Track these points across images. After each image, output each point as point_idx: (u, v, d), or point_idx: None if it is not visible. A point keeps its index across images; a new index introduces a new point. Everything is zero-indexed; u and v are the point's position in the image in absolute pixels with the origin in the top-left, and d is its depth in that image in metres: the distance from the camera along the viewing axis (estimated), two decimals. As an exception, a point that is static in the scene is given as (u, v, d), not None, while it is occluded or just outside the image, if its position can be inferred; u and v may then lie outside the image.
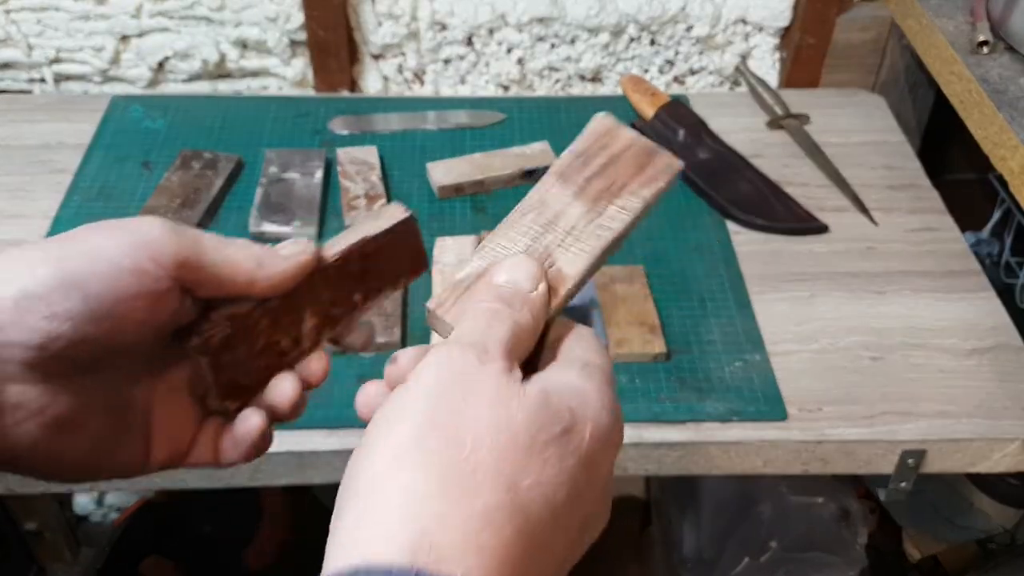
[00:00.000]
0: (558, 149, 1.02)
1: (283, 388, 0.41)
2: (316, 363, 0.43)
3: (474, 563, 0.29)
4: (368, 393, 0.38)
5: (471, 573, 0.29)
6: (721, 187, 0.98)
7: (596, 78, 1.19)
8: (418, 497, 0.30)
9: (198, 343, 0.39)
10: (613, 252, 0.41)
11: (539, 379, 0.35)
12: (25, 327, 0.34)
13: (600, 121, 0.43)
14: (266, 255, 0.39)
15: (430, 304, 0.39)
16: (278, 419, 0.42)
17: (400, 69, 1.16)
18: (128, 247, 0.36)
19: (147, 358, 0.40)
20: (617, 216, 0.40)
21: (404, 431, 0.32)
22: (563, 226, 0.40)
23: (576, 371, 0.36)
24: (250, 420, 0.40)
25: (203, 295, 0.39)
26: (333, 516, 0.33)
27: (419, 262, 0.45)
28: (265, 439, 0.41)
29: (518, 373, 0.35)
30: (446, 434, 0.32)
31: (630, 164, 0.42)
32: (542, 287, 0.39)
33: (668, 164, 0.42)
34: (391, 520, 0.30)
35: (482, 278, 0.39)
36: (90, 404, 0.37)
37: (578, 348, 0.38)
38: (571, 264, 0.40)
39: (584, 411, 0.34)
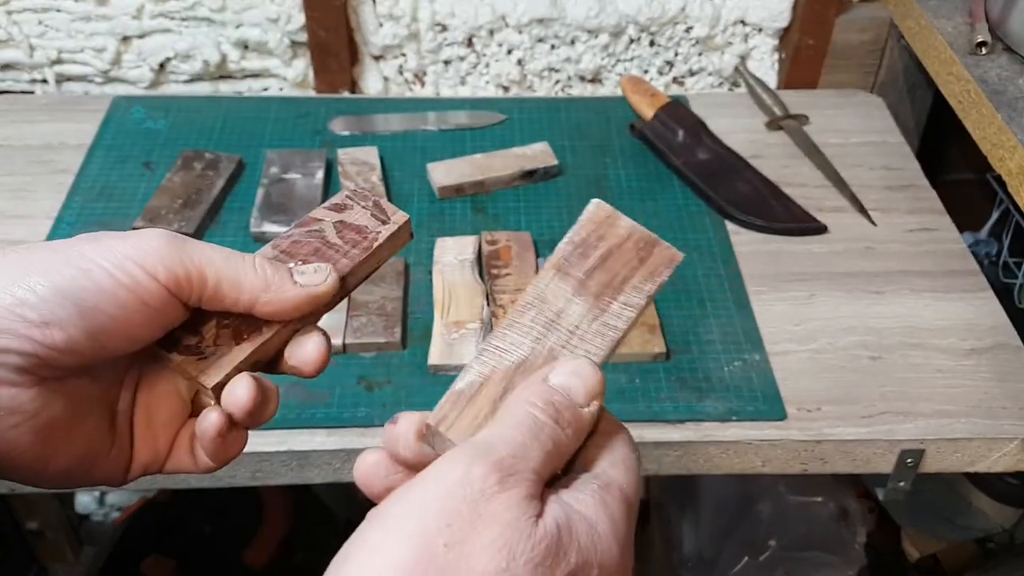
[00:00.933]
0: (558, 149, 1.03)
1: (239, 391, 0.38)
2: (312, 347, 0.40)
3: None
4: (367, 463, 0.36)
5: None
6: (720, 187, 0.99)
7: (596, 79, 1.19)
8: None
9: (185, 350, 0.38)
10: (618, 347, 0.39)
11: (554, 508, 0.32)
12: (19, 334, 0.34)
13: (597, 209, 0.41)
14: (276, 280, 0.38)
15: (431, 420, 0.36)
16: (244, 423, 0.39)
17: (400, 70, 1.16)
18: (126, 261, 0.36)
19: (134, 360, 0.40)
20: (622, 314, 0.39)
21: (396, 555, 0.29)
22: (566, 325, 0.39)
23: (594, 496, 0.33)
24: (208, 417, 0.38)
25: (199, 305, 0.38)
26: None
27: (408, 240, 0.44)
28: (229, 439, 0.39)
29: (537, 503, 0.32)
30: (441, 571, 0.29)
31: (631, 256, 0.40)
32: (595, 405, 0.35)
33: (670, 257, 0.41)
34: None
35: (534, 371, 0.37)
36: (83, 409, 0.37)
37: (605, 460, 0.35)
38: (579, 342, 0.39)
39: (592, 551, 0.32)
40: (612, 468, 0.35)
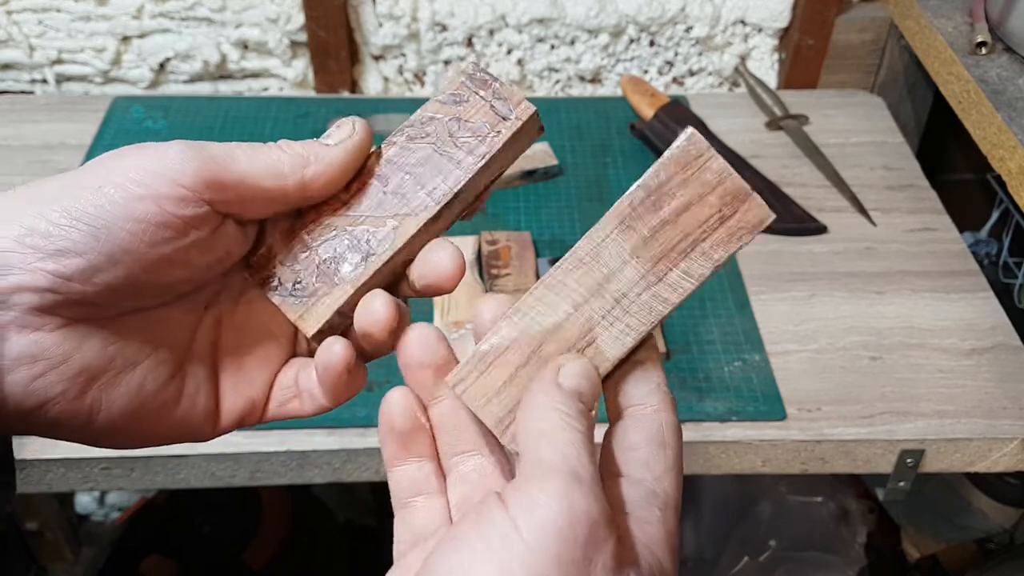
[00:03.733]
0: (558, 149, 1.03)
1: (376, 306, 0.35)
2: (444, 254, 0.35)
3: None
4: (394, 406, 0.35)
5: None
6: (720, 187, 0.99)
7: (596, 79, 1.19)
8: None
9: (278, 289, 0.35)
10: (663, 322, 0.34)
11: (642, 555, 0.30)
12: (31, 268, 0.30)
13: (687, 144, 0.34)
14: (311, 151, 0.34)
15: (449, 378, 0.34)
16: (368, 355, 0.36)
17: (400, 70, 1.16)
18: (141, 171, 0.31)
19: (207, 294, 0.36)
20: (679, 285, 0.33)
21: None
22: (612, 291, 0.34)
23: (653, 512, 0.31)
24: (332, 348, 0.35)
25: (255, 215, 0.34)
26: None
27: (537, 135, 0.38)
28: (353, 374, 0.35)
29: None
30: None
31: (711, 211, 0.33)
32: (594, 413, 0.33)
33: (758, 218, 0.33)
34: None
35: (566, 342, 0.34)
36: (129, 351, 0.33)
37: (655, 464, 0.32)
38: (612, 344, 0.34)
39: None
40: (653, 463, 0.32)
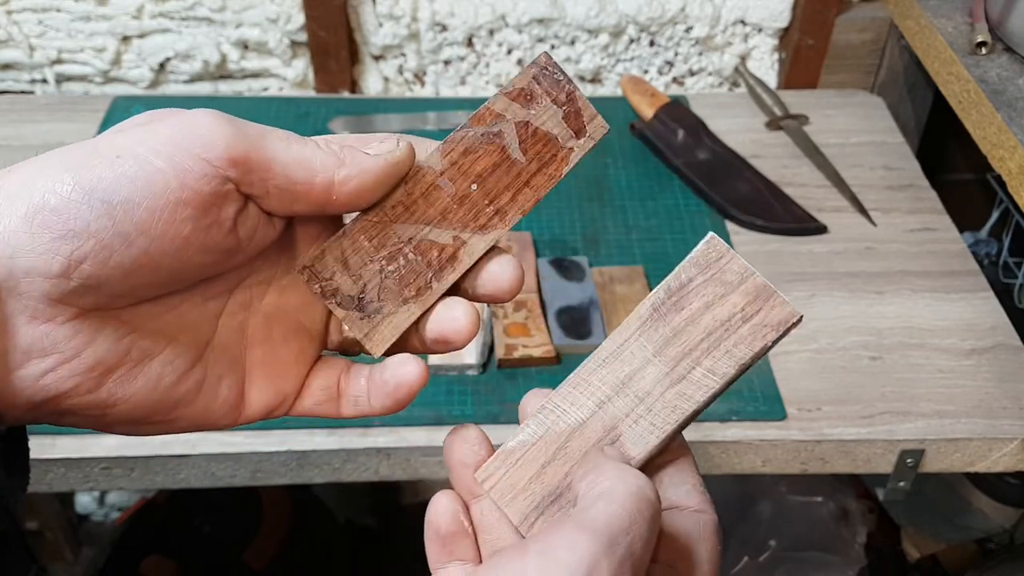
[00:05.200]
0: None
1: (455, 316, 0.34)
2: (504, 266, 0.34)
3: None
4: (439, 510, 0.34)
5: None
6: (720, 188, 0.99)
7: (596, 79, 1.19)
8: None
9: (344, 302, 0.34)
10: (689, 424, 0.34)
11: None
12: (42, 250, 0.27)
13: (707, 248, 0.34)
14: (348, 154, 0.32)
15: (478, 474, 0.34)
16: (446, 350, 0.36)
17: (400, 70, 1.16)
18: (164, 142, 0.29)
19: (231, 281, 0.34)
20: (703, 383, 0.34)
21: None
22: (635, 390, 0.34)
23: None
24: (406, 367, 0.34)
25: (278, 210, 0.32)
26: None
27: (585, 120, 0.35)
28: (415, 388, 0.35)
29: None
30: None
31: (734, 310, 0.33)
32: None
33: (784, 317, 0.34)
34: None
35: (589, 440, 0.34)
36: (145, 342, 0.31)
37: (679, 543, 0.32)
38: (636, 443, 0.34)
39: None
40: (701, 538, 0.32)
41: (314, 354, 0.36)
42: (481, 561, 0.35)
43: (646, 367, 0.34)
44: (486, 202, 0.34)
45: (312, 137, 0.32)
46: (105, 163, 0.28)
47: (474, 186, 0.34)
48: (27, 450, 0.33)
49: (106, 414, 0.31)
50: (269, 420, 0.36)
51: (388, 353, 0.35)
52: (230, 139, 0.29)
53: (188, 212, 0.29)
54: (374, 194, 0.33)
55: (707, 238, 0.34)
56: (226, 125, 0.30)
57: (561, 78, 0.34)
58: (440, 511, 0.34)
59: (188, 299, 0.32)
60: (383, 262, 0.34)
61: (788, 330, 0.34)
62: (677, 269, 0.34)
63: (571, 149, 0.34)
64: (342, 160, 0.32)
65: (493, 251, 0.34)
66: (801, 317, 0.34)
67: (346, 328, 0.34)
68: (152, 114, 0.31)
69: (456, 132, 0.34)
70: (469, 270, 0.34)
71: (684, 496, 0.33)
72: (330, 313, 0.36)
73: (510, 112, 0.34)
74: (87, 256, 0.28)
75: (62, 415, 0.31)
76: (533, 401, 0.35)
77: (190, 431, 0.34)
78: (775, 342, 0.33)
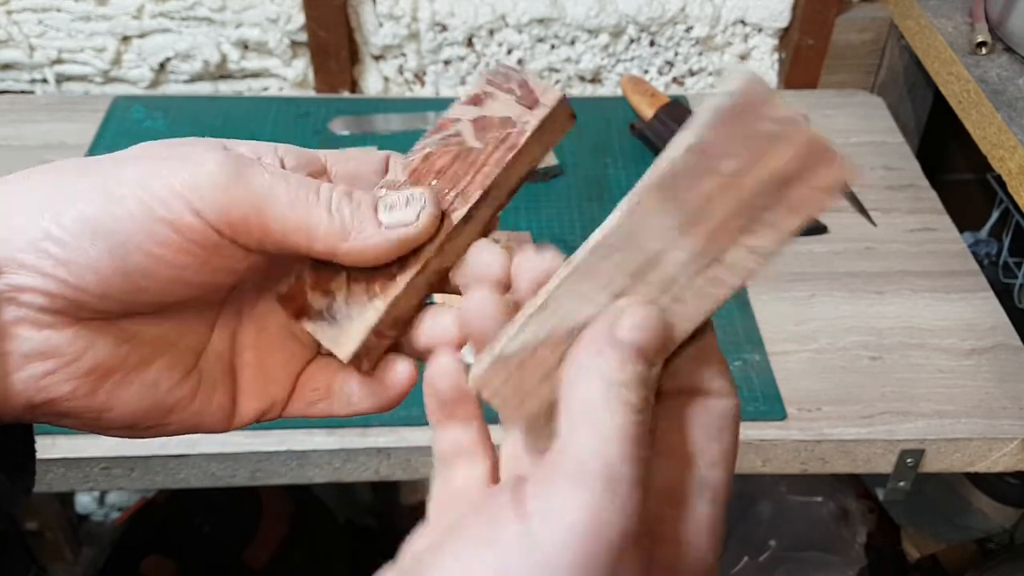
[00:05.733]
0: (558, 149, 1.02)
1: (483, 260, 0.32)
2: (488, 256, 0.32)
3: None
4: (440, 372, 0.32)
5: None
6: (720, 187, 0.99)
7: (596, 79, 1.19)
8: None
9: (308, 313, 0.33)
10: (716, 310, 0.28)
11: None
12: (42, 272, 0.29)
13: (747, 87, 0.26)
14: (356, 223, 0.31)
15: (474, 382, 0.29)
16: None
17: (400, 70, 1.16)
18: (168, 193, 0.30)
19: (224, 292, 0.34)
20: (741, 265, 0.27)
21: None
22: (658, 277, 0.27)
23: (699, 505, 0.28)
24: (396, 367, 0.34)
25: (271, 252, 0.32)
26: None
27: (569, 124, 0.35)
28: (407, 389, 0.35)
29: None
30: None
31: (777, 172, 0.26)
32: (656, 371, 0.27)
33: (835, 176, 0.26)
34: None
35: (587, 327, 0.28)
36: (144, 353, 0.32)
37: (696, 437, 0.29)
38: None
39: None
40: (718, 467, 0.28)
41: (304, 359, 0.36)
42: (482, 420, 0.33)
43: (671, 249, 0.27)
44: (447, 190, 0.33)
45: (327, 190, 0.32)
46: (110, 201, 0.29)
47: (434, 181, 0.34)
48: (33, 451, 0.34)
49: (101, 417, 0.32)
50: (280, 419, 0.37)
51: (365, 357, 0.34)
52: (230, 200, 0.30)
53: (187, 259, 0.30)
54: (377, 264, 0.32)
55: (741, 77, 0.26)
56: (231, 180, 0.30)
57: (509, 71, 0.35)
58: (441, 373, 0.32)
59: (185, 310, 0.33)
60: (349, 271, 0.33)
61: (842, 194, 0.26)
62: (707, 118, 0.26)
63: (527, 121, 0.33)
64: (347, 233, 0.31)
65: (475, 243, 0.33)
66: (855, 173, 0.26)
67: (319, 340, 0.34)
68: (158, 150, 0.31)
69: (416, 144, 0.35)
70: (449, 268, 0.34)
71: (709, 379, 0.29)
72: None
73: (465, 114, 0.34)
74: (86, 286, 0.29)
75: (59, 417, 0.31)
76: (489, 251, 0.32)
77: (184, 434, 0.35)
78: (829, 206, 0.26)
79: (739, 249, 0.27)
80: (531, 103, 0.34)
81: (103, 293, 0.30)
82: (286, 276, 0.34)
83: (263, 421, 0.36)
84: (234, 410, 0.35)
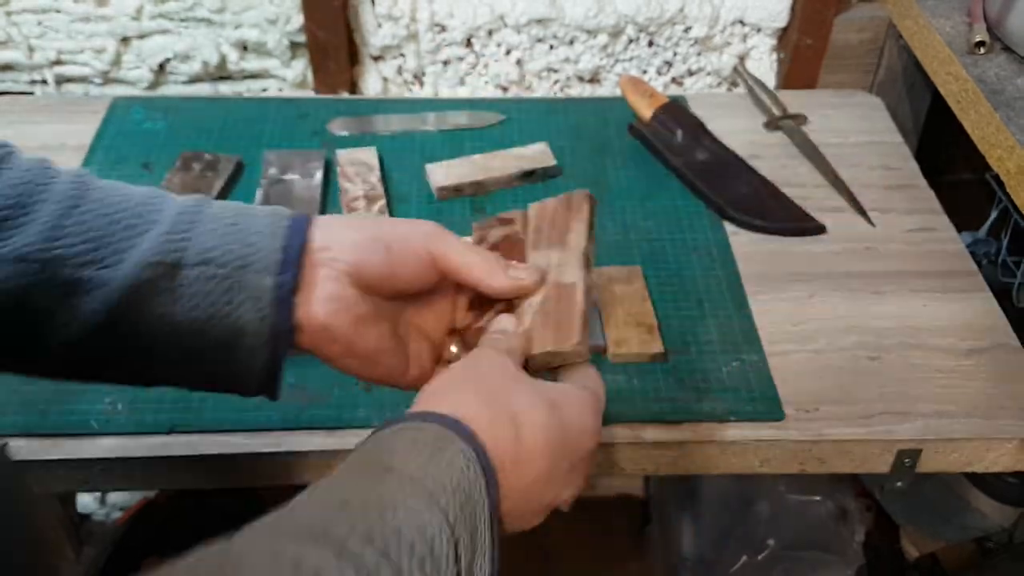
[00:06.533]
0: (557, 150, 1.03)
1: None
2: None
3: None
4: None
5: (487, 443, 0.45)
6: (719, 188, 0.99)
7: (595, 79, 1.19)
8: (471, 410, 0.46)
9: (462, 324, 0.57)
10: (590, 260, 0.56)
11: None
12: (347, 260, 0.51)
13: (535, 208, 0.60)
14: (496, 269, 0.54)
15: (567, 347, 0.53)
16: None
17: (399, 70, 1.16)
18: (415, 233, 0.54)
19: (408, 303, 0.56)
20: (574, 239, 0.57)
21: (470, 396, 0.47)
22: (554, 264, 0.57)
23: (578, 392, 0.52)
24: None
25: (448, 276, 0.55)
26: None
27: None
28: None
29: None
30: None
31: (562, 212, 0.59)
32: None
33: (582, 196, 0.59)
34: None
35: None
36: (380, 316, 0.53)
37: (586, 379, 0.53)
38: (568, 274, 0.56)
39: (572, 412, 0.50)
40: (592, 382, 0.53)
41: (439, 351, 0.57)
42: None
43: (550, 256, 0.57)
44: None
45: (484, 250, 0.56)
46: (392, 233, 0.53)
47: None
48: (280, 377, 0.53)
49: (354, 345, 0.52)
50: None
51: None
52: (438, 246, 0.53)
53: (417, 269, 0.54)
54: (503, 296, 0.56)
55: (531, 206, 0.61)
56: (438, 237, 0.54)
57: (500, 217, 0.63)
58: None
59: (400, 300, 0.55)
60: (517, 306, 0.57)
61: (591, 198, 0.59)
62: (532, 222, 0.61)
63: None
64: (490, 274, 0.54)
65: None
66: (588, 192, 0.59)
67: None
68: (407, 220, 0.56)
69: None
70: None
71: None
72: (446, 331, 0.58)
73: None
74: (368, 275, 0.52)
75: (331, 342, 0.51)
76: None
77: (380, 381, 0.55)
78: (591, 208, 0.58)
79: (571, 235, 0.58)
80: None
81: (377, 272, 0.52)
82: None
83: (423, 383, 0.51)
84: (406, 372, 0.55)
